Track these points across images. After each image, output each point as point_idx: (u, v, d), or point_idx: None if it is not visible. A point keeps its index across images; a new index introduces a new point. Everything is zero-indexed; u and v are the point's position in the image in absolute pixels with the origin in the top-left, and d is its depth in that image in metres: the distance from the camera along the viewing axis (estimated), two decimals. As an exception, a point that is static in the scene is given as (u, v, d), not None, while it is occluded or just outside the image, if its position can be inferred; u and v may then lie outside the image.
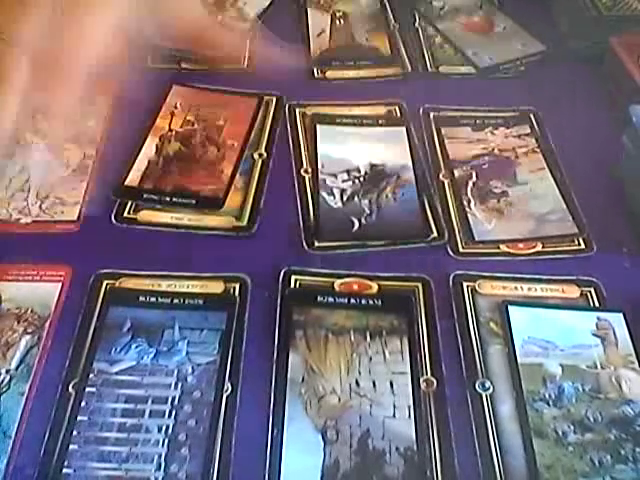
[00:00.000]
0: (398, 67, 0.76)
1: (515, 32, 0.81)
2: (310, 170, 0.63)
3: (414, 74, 0.75)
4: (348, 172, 0.62)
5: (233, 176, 0.61)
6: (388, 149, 0.65)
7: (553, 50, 0.78)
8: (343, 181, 0.61)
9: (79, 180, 0.61)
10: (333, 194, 0.60)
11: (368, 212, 0.59)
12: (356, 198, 0.60)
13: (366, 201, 0.60)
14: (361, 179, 0.62)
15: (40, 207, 0.58)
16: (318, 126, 0.67)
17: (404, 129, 0.67)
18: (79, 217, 0.58)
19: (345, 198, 0.60)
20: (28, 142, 0.64)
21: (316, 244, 0.57)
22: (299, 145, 0.65)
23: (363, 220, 0.58)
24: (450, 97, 0.72)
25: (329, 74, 0.75)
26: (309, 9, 0.83)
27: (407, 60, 0.77)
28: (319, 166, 0.63)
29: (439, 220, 0.59)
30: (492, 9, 0.85)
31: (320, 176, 0.62)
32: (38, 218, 0.58)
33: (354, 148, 0.65)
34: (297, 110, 0.69)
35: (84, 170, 0.62)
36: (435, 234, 0.57)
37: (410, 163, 0.63)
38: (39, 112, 0.57)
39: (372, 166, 0.63)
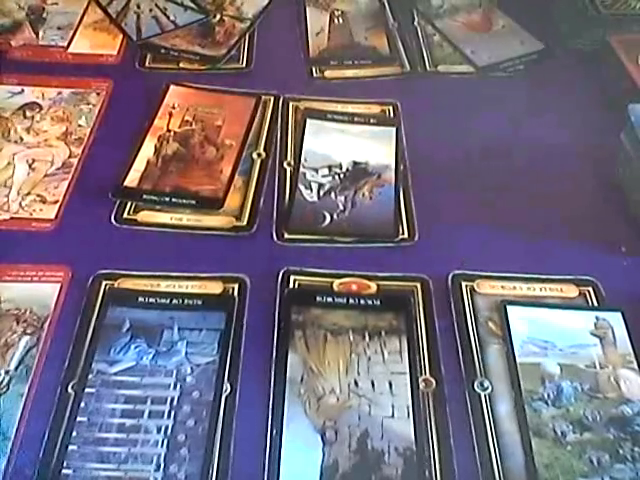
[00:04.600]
0: (397, 66, 0.76)
1: (514, 30, 0.81)
2: (293, 163, 0.63)
3: (413, 73, 0.75)
4: (330, 167, 0.63)
5: (232, 176, 0.61)
6: (374, 148, 0.65)
7: (552, 48, 0.77)
8: (323, 176, 0.62)
9: (61, 179, 0.61)
10: (311, 188, 0.61)
11: (342, 208, 0.59)
12: (332, 194, 0.60)
13: (342, 197, 0.60)
14: (341, 175, 0.62)
15: (20, 204, 0.59)
16: (308, 120, 0.67)
17: (394, 129, 0.67)
18: (57, 216, 0.58)
19: (322, 193, 0.60)
20: (18, 138, 0.64)
21: (285, 236, 0.57)
22: (286, 138, 0.66)
23: (335, 216, 0.58)
24: (448, 96, 0.72)
25: (327, 73, 0.75)
26: (308, 8, 0.83)
27: (406, 59, 0.77)
28: (302, 160, 0.63)
29: (412, 222, 0.59)
30: (491, 7, 0.84)
31: (301, 169, 0.62)
32: (16, 215, 0.58)
33: (340, 144, 0.65)
34: (291, 104, 0.69)
35: (68, 169, 0.62)
36: (405, 235, 0.58)
37: (393, 164, 0.63)
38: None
39: (355, 163, 0.63)
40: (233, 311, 0.51)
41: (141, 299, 0.52)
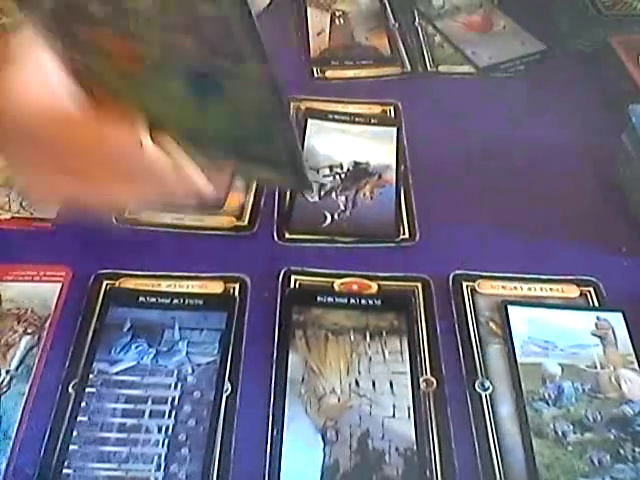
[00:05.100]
0: (398, 66, 0.76)
1: (515, 31, 0.81)
2: None
3: (414, 73, 0.75)
4: (331, 168, 0.63)
5: (233, 176, 0.61)
6: (375, 148, 0.65)
7: (553, 49, 0.78)
8: (324, 176, 0.62)
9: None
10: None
11: (343, 208, 0.59)
12: (333, 194, 0.60)
13: (343, 197, 0.60)
14: (342, 175, 0.62)
15: (21, 203, 0.59)
16: (309, 120, 0.67)
17: (395, 129, 0.67)
18: (57, 215, 0.58)
19: (323, 193, 0.60)
20: None
21: (286, 235, 0.57)
22: None
23: (336, 216, 0.58)
24: (449, 96, 0.72)
25: (329, 74, 0.75)
26: (309, 8, 0.84)
27: (407, 59, 0.77)
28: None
29: (413, 222, 0.59)
30: (492, 8, 0.85)
31: None
32: (17, 214, 0.58)
33: (341, 144, 0.65)
34: (292, 104, 0.69)
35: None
36: (406, 235, 0.58)
37: (394, 164, 0.64)
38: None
39: (355, 164, 0.63)
40: (234, 311, 0.51)
41: (142, 299, 0.52)
